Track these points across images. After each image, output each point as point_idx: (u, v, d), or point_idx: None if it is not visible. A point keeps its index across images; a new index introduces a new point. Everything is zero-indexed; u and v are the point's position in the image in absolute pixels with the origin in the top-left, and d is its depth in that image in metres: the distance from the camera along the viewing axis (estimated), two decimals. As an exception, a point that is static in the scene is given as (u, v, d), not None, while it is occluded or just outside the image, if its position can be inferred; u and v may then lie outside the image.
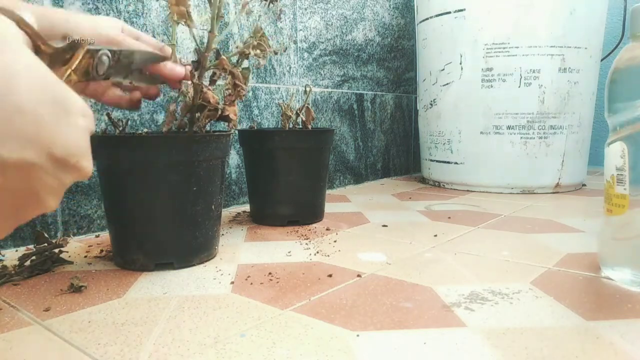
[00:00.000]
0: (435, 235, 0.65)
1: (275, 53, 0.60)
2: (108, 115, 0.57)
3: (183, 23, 0.51)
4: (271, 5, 0.63)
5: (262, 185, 0.73)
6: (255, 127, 0.87)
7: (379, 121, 1.25)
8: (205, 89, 0.53)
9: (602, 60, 1.07)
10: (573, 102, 1.00)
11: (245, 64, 0.58)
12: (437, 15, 1.07)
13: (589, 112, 1.04)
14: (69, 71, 0.31)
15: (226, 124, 0.57)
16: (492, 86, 1.00)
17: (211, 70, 0.56)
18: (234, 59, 0.57)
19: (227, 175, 0.86)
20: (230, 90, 0.56)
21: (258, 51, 0.57)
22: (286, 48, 0.94)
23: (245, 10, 0.57)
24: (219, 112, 0.55)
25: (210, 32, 0.53)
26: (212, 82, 0.57)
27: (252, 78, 0.90)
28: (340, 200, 0.95)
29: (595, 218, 0.77)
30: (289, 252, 0.58)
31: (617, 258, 0.46)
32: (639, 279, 0.44)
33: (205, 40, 0.54)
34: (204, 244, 0.53)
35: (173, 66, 0.49)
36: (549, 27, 0.96)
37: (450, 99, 1.07)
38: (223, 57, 0.54)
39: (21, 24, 0.27)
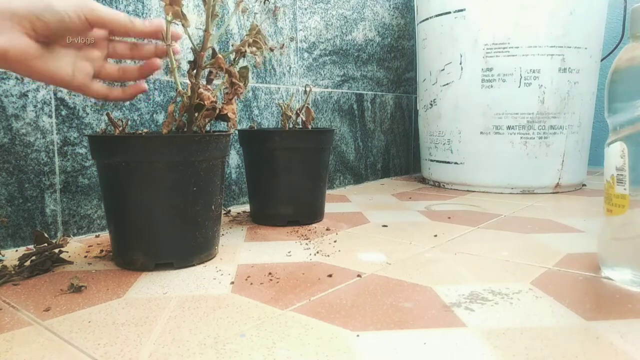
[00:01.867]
0: (435, 235, 0.65)
1: (272, 50, 0.60)
2: (108, 115, 0.57)
3: (178, 23, 0.51)
4: (266, 2, 0.63)
5: (262, 185, 0.73)
6: (255, 127, 0.87)
7: (379, 121, 1.25)
8: (201, 89, 0.53)
9: (602, 60, 1.07)
10: (573, 102, 1.00)
11: (243, 62, 0.58)
12: (437, 15, 1.07)
13: (589, 112, 1.04)
14: None
15: (226, 123, 0.57)
16: (492, 86, 1.00)
17: (208, 69, 0.56)
18: (231, 57, 0.57)
19: (227, 175, 0.86)
20: (227, 89, 0.56)
21: (254, 48, 0.56)
22: (283, 45, 0.94)
23: (241, 8, 0.57)
24: (217, 111, 0.55)
25: (206, 31, 0.53)
26: (209, 80, 0.57)
27: (252, 78, 0.90)
28: (340, 200, 0.95)
29: (595, 218, 0.77)
30: (289, 252, 0.58)
31: (617, 258, 0.46)
32: (639, 279, 0.44)
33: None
34: (203, 244, 0.53)
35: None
36: (549, 27, 0.96)
37: (450, 99, 1.07)
38: (219, 55, 0.54)
39: None
